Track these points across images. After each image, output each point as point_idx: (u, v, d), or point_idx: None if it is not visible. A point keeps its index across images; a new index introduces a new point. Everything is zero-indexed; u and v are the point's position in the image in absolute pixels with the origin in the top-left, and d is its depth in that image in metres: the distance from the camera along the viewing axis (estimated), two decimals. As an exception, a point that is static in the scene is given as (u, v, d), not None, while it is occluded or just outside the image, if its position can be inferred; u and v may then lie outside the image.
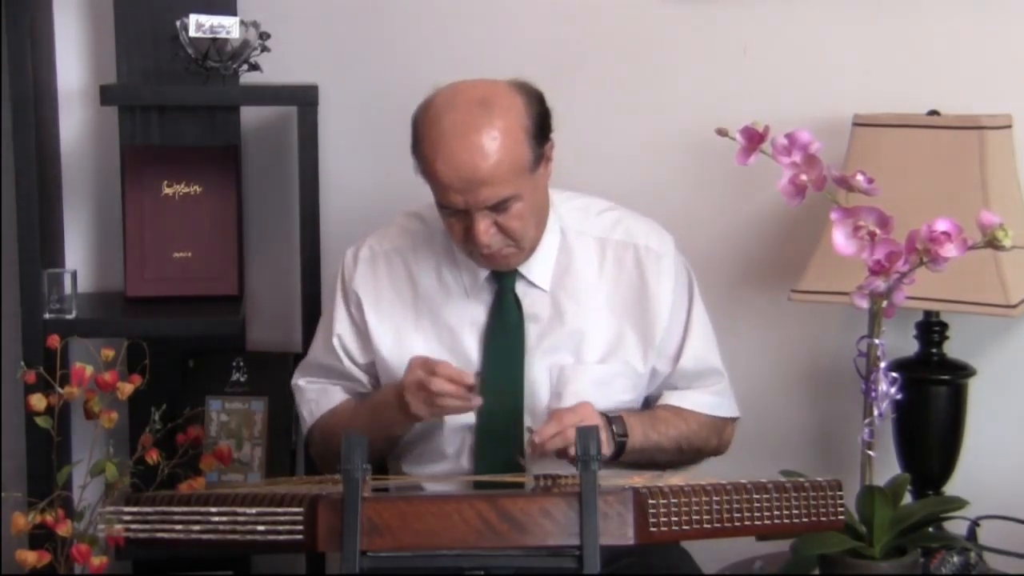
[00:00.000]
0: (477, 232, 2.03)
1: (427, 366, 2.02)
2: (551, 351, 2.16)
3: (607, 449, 2.07)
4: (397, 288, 2.21)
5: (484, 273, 2.17)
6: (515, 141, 2.01)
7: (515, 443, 2.12)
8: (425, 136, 2.03)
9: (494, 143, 1.99)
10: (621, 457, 2.13)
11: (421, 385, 2.01)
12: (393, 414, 2.10)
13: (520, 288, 2.18)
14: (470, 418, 2.13)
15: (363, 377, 2.25)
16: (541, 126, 2.06)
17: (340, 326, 2.24)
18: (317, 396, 2.27)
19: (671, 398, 2.23)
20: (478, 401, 2.04)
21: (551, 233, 2.18)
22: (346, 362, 2.24)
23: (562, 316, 2.17)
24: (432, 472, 2.19)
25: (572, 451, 1.92)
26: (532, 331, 2.17)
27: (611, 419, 2.11)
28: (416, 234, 2.23)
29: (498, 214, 2.04)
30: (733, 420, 2.32)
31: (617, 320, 2.18)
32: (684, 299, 2.24)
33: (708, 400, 2.25)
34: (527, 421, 2.13)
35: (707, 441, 2.25)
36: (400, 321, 2.19)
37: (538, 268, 2.18)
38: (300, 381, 2.30)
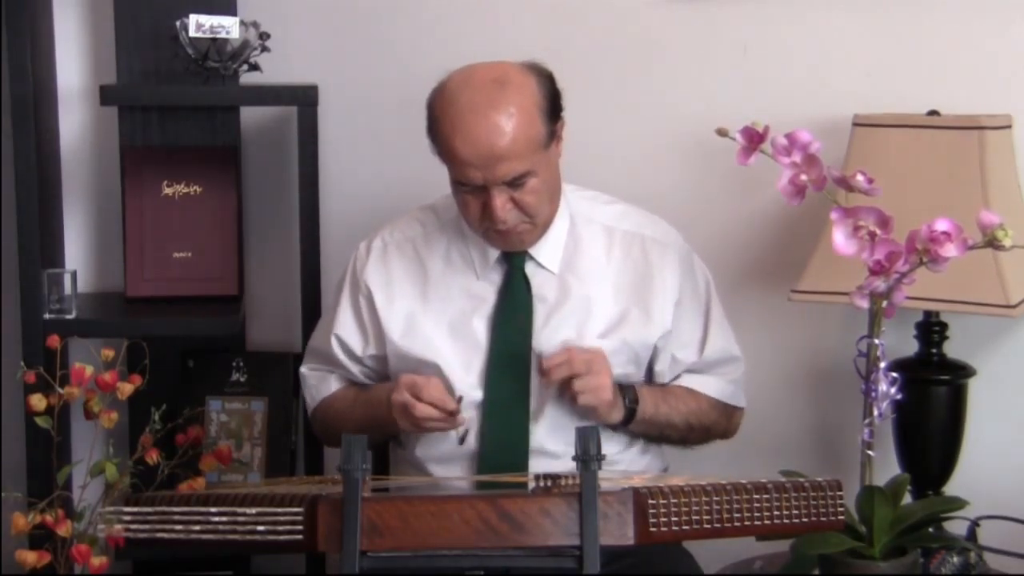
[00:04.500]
0: (494, 207, 2.07)
1: (414, 389, 2.08)
2: (558, 330, 2.19)
3: (618, 415, 2.13)
4: (408, 275, 2.24)
5: (494, 253, 2.21)
6: (530, 118, 2.06)
7: (521, 422, 2.14)
8: (442, 116, 2.07)
9: (510, 120, 2.04)
10: (630, 425, 2.17)
11: (406, 408, 2.08)
12: (386, 416, 2.15)
13: (529, 269, 2.21)
14: (476, 398, 2.16)
15: (356, 369, 2.28)
16: (553, 104, 2.12)
17: (341, 324, 2.26)
18: (317, 383, 2.33)
19: (689, 380, 2.27)
20: (461, 422, 2.10)
21: (561, 218, 2.22)
22: (343, 358, 2.27)
23: (569, 295, 2.20)
24: (438, 453, 2.20)
25: (575, 385, 2.04)
26: (540, 312, 2.20)
27: (623, 387, 2.15)
28: (427, 224, 2.28)
29: (514, 190, 2.08)
30: (741, 408, 2.36)
31: (622, 302, 2.21)
32: (701, 292, 2.29)
33: (724, 388, 2.29)
34: (533, 402, 2.15)
35: (716, 422, 2.30)
36: (411, 306, 2.22)
37: (547, 250, 2.21)
38: (303, 368, 2.36)
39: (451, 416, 2.08)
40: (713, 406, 2.28)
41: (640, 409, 2.17)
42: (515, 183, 2.07)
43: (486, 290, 2.21)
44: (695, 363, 2.26)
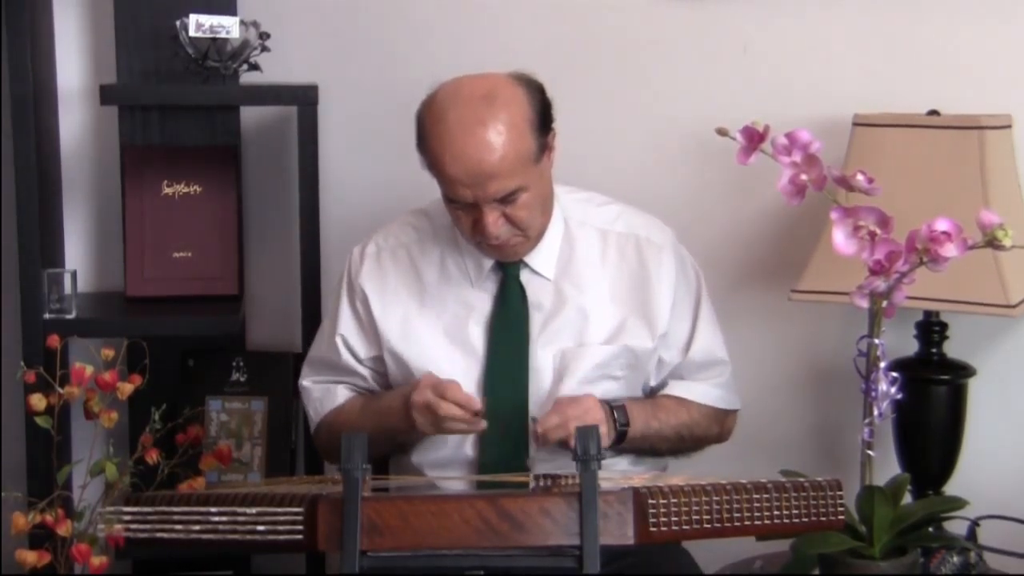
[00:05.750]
0: (486, 224, 2.06)
1: (437, 388, 2.06)
2: (554, 338, 2.18)
3: (607, 439, 2.10)
4: (403, 281, 2.23)
5: (489, 262, 2.20)
6: (520, 133, 2.04)
7: (519, 431, 2.14)
8: (431, 132, 2.05)
9: (499, 137, 2.02)
10: (622, 444, 2.16)
11: (429, 407, 2.06)
12: (398, 423, 2.13)
13: (524, 276, 2.20)
14: (474, 405, 2.14)
15: (365, 372, 2.27)
16: (543, 116, 2.09)
17: (344, 325, 2.25)
18: (322, 395, 2.29)
19: (676, 388, 2.25)
20: (483, 425, 2.08)
21: (554, 223, 2.21)
22: (349, 359, 2.26)
23: (565, 304, 2.19)
24: (435, 459, 2.20)
25: (573, 443, 1.94)
26: (536, 319, 2.19)
27: (613, 407, 2.14)
28: (421, 229, 2.26)
29: (506, 205, 2.07)
30: (735, 410, 2.34)
31: (619, 308, 2.20)
32: (692, 292, 2.27)
33: (712, 392, 2.27)
34: (531, 408, 2.15)
35: (708, 430, 2.28)
36: (406, 312, 2.21)
37: (542, 257, 2.20)
38: (305, 382, 2.32)
39: (474, 416, 2.06)
40: (704, 414, 2.26)
41: (631, 430, 2.15)
42: (506, 199, 2.05)
43: (481, 299, 2.20)
44: (679, 365, 2.25)
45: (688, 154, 2.64)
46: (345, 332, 2.25)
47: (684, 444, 2.25)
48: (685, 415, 2.23)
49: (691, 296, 2.27)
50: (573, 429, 1.99)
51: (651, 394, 2.26)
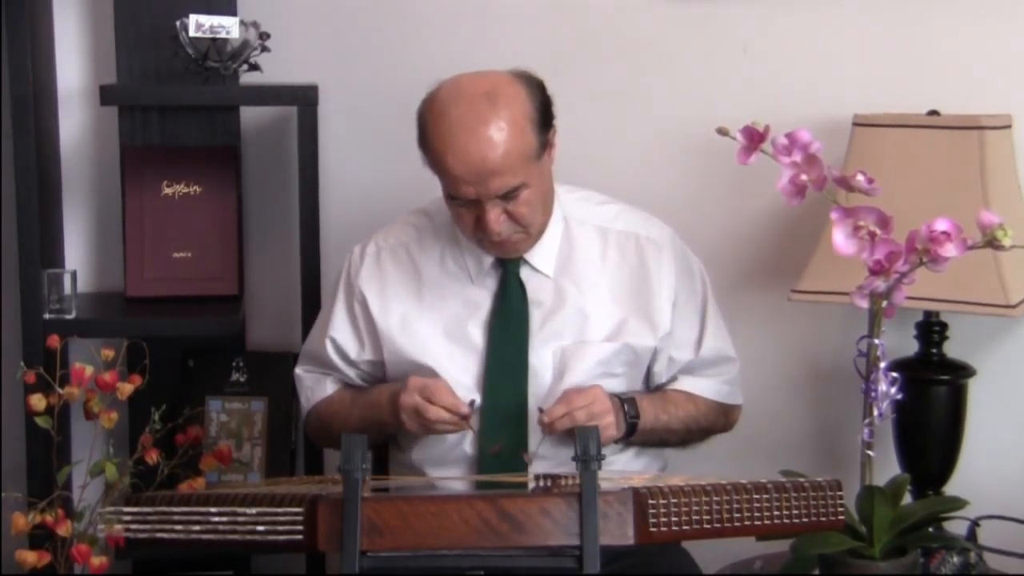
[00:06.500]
0: (488, 221, 2.07)
1: (425, 392, 2.08)
2: (554, 335, 2.19)
3: (618, 431, 2.13)
4: (403, 280, 2.24)
5: (489, 259, 2.21)
6: (521, 131, 2.05)
7: (518, 427, 2.14)
8: (433, 130, 2.06)
9: (501, 134, 2.03)
10: (632, 437, 2.17)
11: (417, 410, 2.08)
12: (387, 418, 2.17)
13: (524, 273, 2.21)
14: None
15: (352, 373, 2.29)
16: (544, 114, 2.10)
17: (336, 328, 2.27)
18: (312, 384, 2.32)
19: (685, 383, 2.27)
20: (472, 425, 2.11)
21: (554, 221, 2.22)
22: (337, 360, 2.28)
23: (565, 301, 2.20)
24: (434, 455, 2.20)
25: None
26: (536, 316, 2.20)
27: (623, 400, 2.15)
28: (421, 228, 2.27)
29: (507, 202, 2.08)
30: (739, 404, 2.36)
31: (620, 306, 2.21)
32: (697, 291, 2.28)
33: (719, 388, 2.29)
34: (531, 405, 2.15)
35: (714, 422, 2.30)
36: (406, 310, 2.22)
37: (542, 254, 2.21)
38: (298, 370, 2.35)
39: (462, 419, 2.08)
40: (711, 407, 2.28)
41: (641, 422, 2.17)
42: (508, 196, 2.07)
43: (481, 296, 2.21)
44: (690, 362, 2.26)
45: (688, 154, 2.64)
46: (336, 335, 2.26)
47: (692, 436, 2.28)
48: (692, 408, 2.25)
49: (696, 295, 2.28)
50: (580, 419, 2.03)
51: (659, 388, 2.28)
